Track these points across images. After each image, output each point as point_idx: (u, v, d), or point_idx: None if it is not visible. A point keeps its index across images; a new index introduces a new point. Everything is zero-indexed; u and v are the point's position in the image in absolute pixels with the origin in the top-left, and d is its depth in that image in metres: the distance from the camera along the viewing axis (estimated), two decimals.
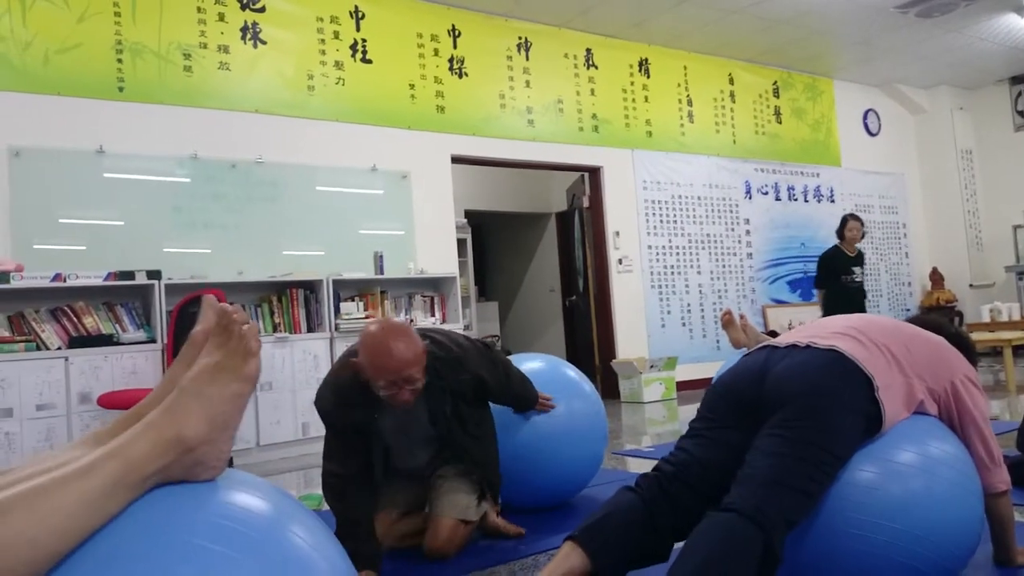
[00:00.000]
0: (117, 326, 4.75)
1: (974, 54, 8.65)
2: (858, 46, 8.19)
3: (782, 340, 2.03)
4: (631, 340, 7.34)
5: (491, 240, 10.41)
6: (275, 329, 5.25)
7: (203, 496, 0.95)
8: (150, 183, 5.09)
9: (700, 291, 7.85)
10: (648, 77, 7.70)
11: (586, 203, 7.62)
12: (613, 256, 7.34)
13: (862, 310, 6.46)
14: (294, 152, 5.64)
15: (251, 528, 0.93)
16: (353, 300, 5.53)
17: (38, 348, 4.45)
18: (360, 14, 6.04)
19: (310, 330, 5.34)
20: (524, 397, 2.86)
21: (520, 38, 6.90)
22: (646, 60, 7.69)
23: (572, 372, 3.20)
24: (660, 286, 7.58)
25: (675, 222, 7.75)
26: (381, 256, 5.73)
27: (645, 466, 3.96)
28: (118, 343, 4.63)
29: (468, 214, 8.34)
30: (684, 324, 7.71)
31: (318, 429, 5.17)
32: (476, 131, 6.56)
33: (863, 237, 6.86)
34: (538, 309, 9.61)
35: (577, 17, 6.96)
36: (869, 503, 1.72)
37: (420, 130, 6.25)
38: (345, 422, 2.43)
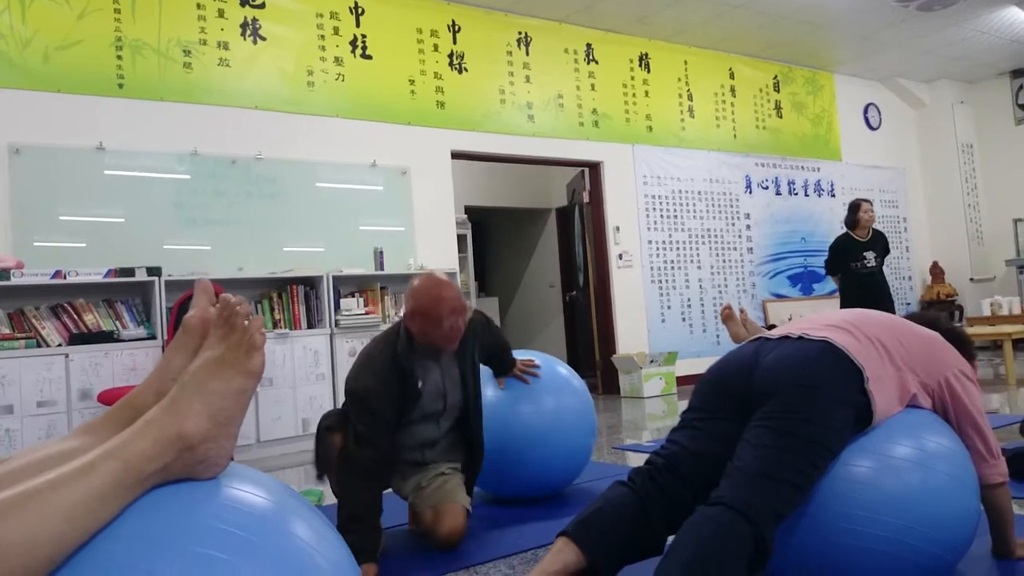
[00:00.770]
0: (117, 323, 4.76)
1: (975, 48, 8.63)
2: (859, 40, 8.18)
3: (774, 332, 2.03)
4: (631, 335, 7.34)
5: (491, 236, 10.41)
6: (275, 325, 5.25)
7: (201, 496, 0.93)
8: (150, 180, 5.09)
9: (700, 286, 7.85)
10: (648, 72, 7.69)
11: (586, 198, 7.61)
12: (613, 251, 7.34)
13: (879, 297, 6.18)
14: (294, 148, 5.63)
15: (250, 531, 0.91)
16: (353, 296, 5.53)
17: (38, 345, 4.45)
18: (360, 10, 6.03)
19: (310, 326, 5.35)
20: (508, 351, 3.07)
21: (520, 33, 6.89)
22: (646, 55, 7.68)
23: (563, 369, 3.27)
24: (660, 281, 7.58)
25: (675, 217, 7.75)
26: (381, 252, 5.73)
27: (645, 460, 3.97)
28: (118, 340, 4.64)
29: (468, 210, 8.34)
30: (684, 319, 7.71)
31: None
32: (476, 127, 6.55)
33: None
34: (538, 304, 9.61)
35: (577, 12, 6.95)
36: (864, 497, 1.72)
37: (420, 126, 6.24)
38: (389, 401, 2.47)
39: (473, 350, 2.74)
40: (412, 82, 6.24)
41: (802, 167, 8.80)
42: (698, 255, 7.87)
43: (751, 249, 8.27)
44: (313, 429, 5.14)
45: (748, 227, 8.27)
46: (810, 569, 1.77)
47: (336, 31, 5.91)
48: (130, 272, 4.71)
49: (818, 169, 8.94)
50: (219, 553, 0.87)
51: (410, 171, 6.14)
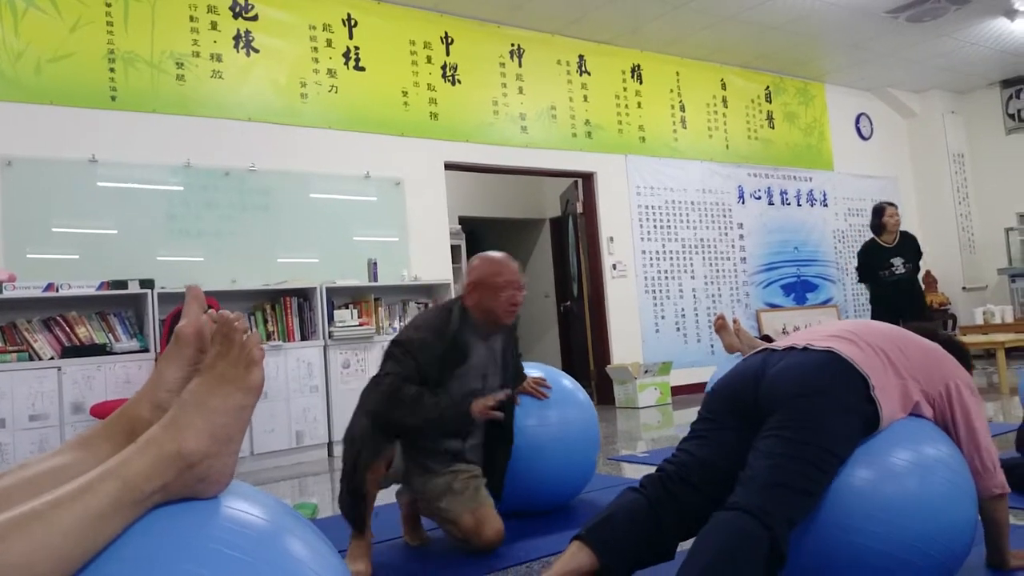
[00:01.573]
0: (110, 335, 4.74)
1: (965, 58, 8.69)
2: (849, 51, 8.23)
3: (780, 343, 2.06)
4: (626, 345, 7.34)
5: (485, 246, 10.37)
6: (269, 337, 5.24)
7: (200, 517, 0.92)
8: (143, 192, 5.09)
9: (694, 296, 7.87)
10: (641, 83, 7.72)
11: (580, 209, 7.63)
12: (607, 261, 7.35)
13: (909, 304, 5.97)
14: (287, 160, 5.64)
15: (249, 553, 0.90)
16: (347, 308, 5.53)
17: (31, 358, 4.43)
18: (353, 22, 6.04)
19: (304, 338, 5.34)
20: (521, 365, 3.07)
21: (513, 45, 6.91)
22: (638, 66, 7.72)
23: (567, 381, 3.27)
24: (654, 291, 7.59)
25: (669, 227, 7.77)
26: (375, 263, 5.73)
27: (640, 471, 3.96)
28: (111, 352, 4.62)
29: (462, 220, 8.35)
30: (678, 329, 7.72)
31: (312, 438, 5.17)
32: (469, 138, 6.56)
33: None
34: (532, 315, 9.61)
35: (570, 24, 6.98)
36: (863, 504, 1.74)
37: (413, 137, 6.25)
38: (431, 355, 2.52)
39: (516, 344, 2.85)
40: (405, 94, 6.25)
41: (794, 177, 8.84)
42: (692, 265, 7.88)
43: (744, 259, 8.29)
44: (307, 442, 5.14)
45: (741, 237, 8.30)
46: (809, 574, 1.78)
47: (329, 43, 5.93)
48: (123, 284, 4.70)
49: (810, 179, 8.97)
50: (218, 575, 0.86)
51: (403, 182, 6.15)
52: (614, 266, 7.35)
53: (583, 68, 7.34)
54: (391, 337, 5.50)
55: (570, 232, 8.16)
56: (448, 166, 6.46)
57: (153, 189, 5.12)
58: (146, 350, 4.72)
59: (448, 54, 6.51)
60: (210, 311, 1.14)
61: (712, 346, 7.71)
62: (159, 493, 0.90)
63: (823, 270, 8.92)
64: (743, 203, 8.34)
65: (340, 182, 5.85)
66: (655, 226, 7.67)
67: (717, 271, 8.06)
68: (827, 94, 9.28)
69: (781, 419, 1.80)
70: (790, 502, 1.69)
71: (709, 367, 7.09)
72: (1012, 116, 9.72)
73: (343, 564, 1.05)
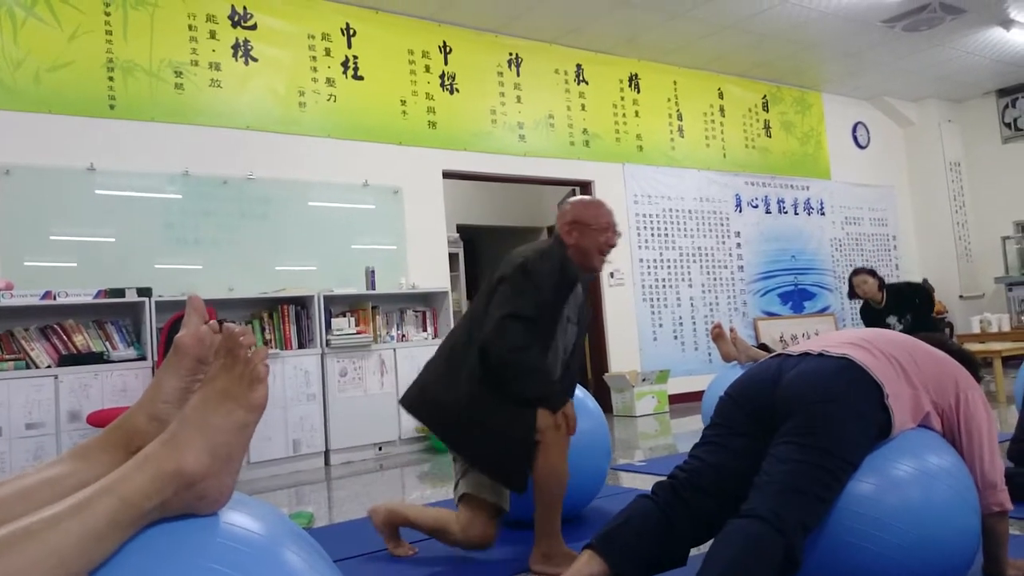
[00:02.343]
0: (107, 344, 4.74)
1: (961, 67, 8.73)
2: (846, 60, 8.26)
3: (795, 349, 2.08)
4: (623, 353, 7.34)
5: (483, 254, 10.41)
6: (266, 345, 5.23)
7: (197, 533, 0.91)
8: (141, 200, 5.09)
9: (692, 304, 7.87)
10: (638, 92, 7.75)
11: None
12: (605, 269, 7.34)
13: None
14: (286, 168, 5.64)
15: (245, 571, 0.89)
16: (344, 316, 5.53)
17: (27, 366, 4.43)
18: (351, 31, 6.06)
19: (301, 346, 5.33)
20: None
21: (511, 54, 6.94)
22: (636, 75, 7.74)
23: (577, 390, 3.23)
24: (652, 299, 7.60)
25: (666, 236, 7.78)
26: (373, 271, 5.73)
27: (638, 480, 3.96)
28: (108, 361, 4.61)
29: (460, 228, 8.35)
30: (676, 337, 7.72)
31: (309, 446, 5.17)
32: (467, 146, 6.58)
33: (882, 288, 5.99)
34: None
35: (567, 33, 7.01)
36: (867, 513, 1.75)
37: (412, 146, 6.26)
38: (552, 285, 2.53)
39: (587, 302, 2.80)
40: (404, 102, 6.26)
41: (791, 186, 8.86)
42: (689, 273, 7.89)
43: (742, 267, 8.30)
44: (304, 450, 5.13)
45: (738, 245, 8.31)
46: None
47: (328, 52, 5.94)
48: (120, 293, 4.70)
49: (807, 188, 8.99)
50: None
51: (402, 191, 6.16)
52: (611, 274, 7.36)
53: (581, 77, 7.36)
54: (387, 345, 5.52)
55: None
56: (446, 174, 6.47)
57: (151, 197, 5.13)
58: (143, 359, 4.71)
59: (446, 63, 6.53)
60: (212, 322, 1.12)
61: (710, 354, 7.71)
62: (157, 511, 0.89)
63: (820, 279, 8.93)
64: (740, 212, 8.36)
65: (338, 190, 5.86)
66: (653, 234, 7.68)
67: (714, 279, 8.07)
68: (824, 103, 9.31)
69: (796, 425, 1.81)
70: (805, 508, 1.71)
71: (707, 375, 7.09)
72: (1008, 125, 9.76)
73: (335, 572, 1.05)
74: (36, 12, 4.87)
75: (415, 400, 2.64)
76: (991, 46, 8.13)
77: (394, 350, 5.61)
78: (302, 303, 5.40)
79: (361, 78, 6.08)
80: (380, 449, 5.49)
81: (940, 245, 9.78)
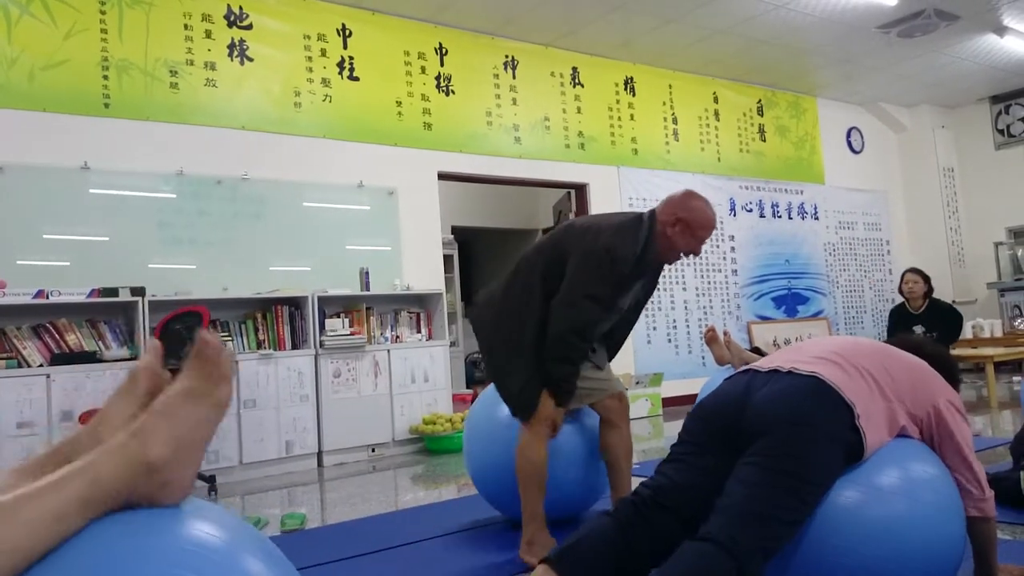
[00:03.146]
0: (100, 343, 4.73)
1: (955, 73, 8.76)
2: (841, 65, 8.29)
3: (764, 364, 2.03)
4: (617, 356, 7.32)
5: (478, 256, 10.42)
6: (259, 346, 5.23)
7: (156, 537, 0.93)
8: (135, 199, 5.08)
9: (686, 307, 7.88)
10: (633, 95, 7.76)
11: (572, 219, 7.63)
12: None
13: None
14: (280, 168, 5.64)
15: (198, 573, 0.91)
16: (338, 316, 5.52)
17: (19, 365, 4.41)
18: (347, 32, 6.06)
19: (295, 347, 5.32)
20: None
21: (507, 56, 6.94)
22: (631, 78, 7.75)
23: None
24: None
25: None
26: (367, 272, 5.73)
27: (632, 483, 3.96)
28: (101, 360, 4.60)
29: (455, 230, 8.35)
30: (670, 340, 7.73)
31: (302, 447, 5.16)
32: (463, 148, 6.58)
33: (927, 293, 6.07)
34: None
35: (563, 36, 7.01)
36: (851, 525, 1.73)
37: (407, 147, 6.26)
38: (629, 271, 2.66)
39: (659, 275, 2.96)
40: (399, 104, 6.26)
41: (785, 190, 8.88)
42: (683, 277, 7.91)
43: (735, 271, 8.32)
44: (297, 451, 5.12)
45: (732, 249, 8.33)
46: None
47: (324, 53, 5.94)
48: (113, 292, 4.69)
49: (801, 192, 9.02)
50: None
51: (397, 192, 6.16)
52: None
53: (576, 80, 7.37)
54: (381, 346, 5.51)
55: None
56: (441, 176, 6.47)
57: (145, 197, 5.12)
58: (136, 358, 4.69)
59: (442, 65, 6.53)
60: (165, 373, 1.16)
61: (703, 358, 7.72)
62: (123, 495, 0.94)
63: (814, 283, 8.95)
64: (735, 215, 8.37)
65: (333, 191, 5.85)
66: None
67: (708, 283, 8.08)
68: (818, 108, 9.34)
69: (763, 447, 1.77)
70: (764, 533, 1.67)
71: (700, 379, 7.08)
72: (1001, 131, 9.80)
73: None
74: (31, 10, 4.85)
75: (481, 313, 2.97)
76: (985, 53, 8.17)
77: (388, 351, 5.61)
78: (296, 303, 5.39)
79: (357, 79, 6.07)
80: (373, 450, 5.48)
81: (933, 250, 9.81)
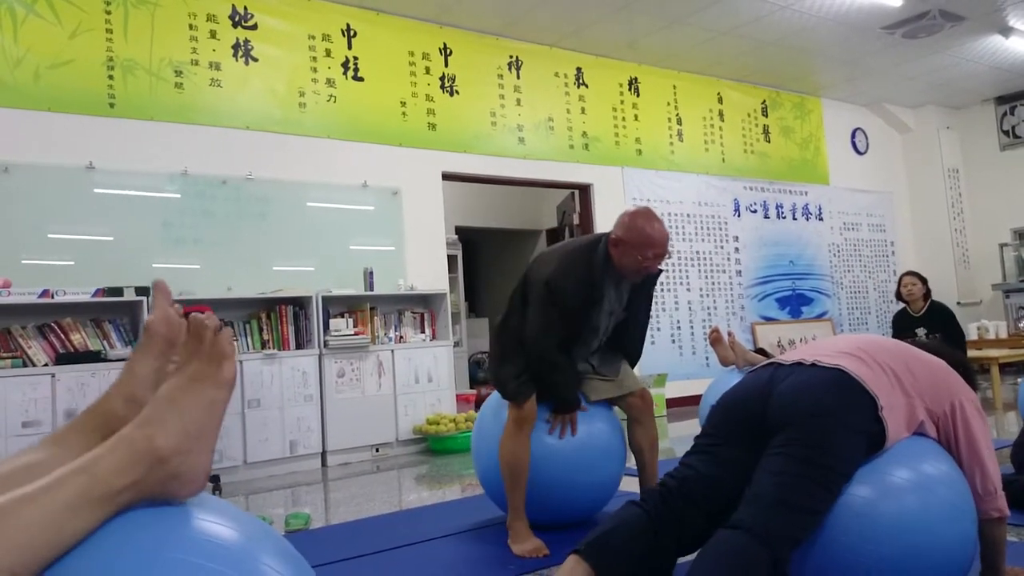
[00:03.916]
0: (105, 342, 4.73)
1: (960, 74, 8.75)
2: (846, 66, 8.28)
3: (787, 357, 2.06)
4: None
5: (481, 256, 10.42)
6: (264, 346, 5.23)
7: (168, 531, 0.90)
8: (140, 199, 5.09)
9: (690, 308, 7.88)
10: (638, 96, 7.75)
11: (576, 220, 7.64)
12: None
13: None
14: (285, 169, 5.64)
15: (215, 566, 0.88)
16: (342, 316, 5.52)
17: (24, 365, 4.42)
18: (352, 32, 6.06)
19: (299, 347, 5.33)
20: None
21: (511, 57, 6.94)
22: (636, 79, 7.75)
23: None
24: None
25: None
26: (371, 272, 5.73)
27: (634, 484, 3.95)
28: (105, 360, 4.61)
29: (458, 230, 8.36)
30: (674, 341, 7.73)
31: (306, 447, 5.16)
32: (467, 148, 6.58)
33: (926, 296, 6.08)
34: None
35: (567, 36, 7.01)
36: (862, 521, 1.74)
37: (411, 147, 6.26)
38: (579, 302, 2.80)
39: (655, 282, 3.06)
40: (403, 104, 6.26)
41: (790, 191, 8.87)
42: (687, 277, 7.90)
43: (740, 272, 8.31)
44: (301, 451, 5.13)
45: (737, 250, 8.32)
46: None
47: (328, 53, 5.94)
48: (118, 291, 4.69)
49: (806, 193, 9.01)
50: None
51: (401, 192, 6.16)
52: None
53: (581, 80, 7.37)
54: (385, 346, 5.51)
55: None
56: (445, 176, 6.47)
57: (150, 196, 5.12)
58: None
59: (447, 65, 6.53)
60: (176, 305, 1.15)
61: (707, 359, 7.71)
62: (131, 491, 0.88)
63: (818, 284, 8.94)
64: (739, 216, 8.36)
65: (337, 191, 5.86)
66: None
67: (712, 284, 8.08)
68: (823, 108, 9.33)
69: (788, 437, 1.80)
70: (794, 521, 1.70)
71: (704, 379, 7.09)
72: (1007, 132, 9.78)
73: (312, 574, 1.04)
74: (37, 10, 4.86)
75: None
76: (990, 53, 8.15)
77: (392, 351, 5.61)
78: (300, 303, 5.40)
79: (361, 79, 6.08)
80: (377, 450, 5.48)
81: (938, 252, 9.79)
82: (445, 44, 6.54)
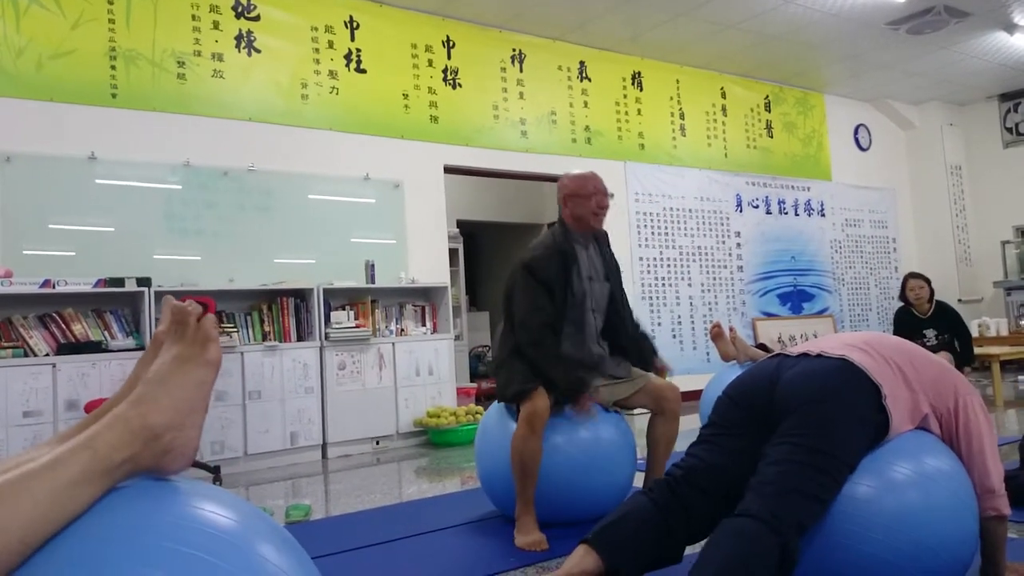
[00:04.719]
0: (106, 333, 4.73)
1: (964, 71, 8.72)
2: (849, 61, 8.26)
3: (793, 350, 2.08)
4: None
5: (483, 250, 10.42)
6: (265, 338, 5.23)
7: (159, 514, 0.92)
8: (142, 190, 5.08)
9: (691, 303, 7.87)
10: (641, 90, 7.74)
11: None
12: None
13: None
14: (287, 160, 5.63)
15: (213, 554, 0.90)
16: (344, 309, 5.52)
17: (25, 355, 4.42)
18: (355, 24, 6.05)
19: (300, 339, 5.33)
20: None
21: (514, 50, 6.92)
22: (639, 73, 7.73)
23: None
24: (651, 298, 7.59)
25: (666, 234, 7.78)
26: (372, 265, 5.72)
27: (637, 479, 3.96)
28: (107, 350, 4.61)
29: (460, 224, 8.35)
30: (675, 336, 7.73)
31: (307, 439, 5.17)
32: (469, 141, 6.57)
33: (931, 297, 5.99)
34: None
35: (571, 30, 7.00)
36: (865, 515, 1.76)
37: (413, 140, 6.25)
38: (554, 271, 2.94)
39: (607, 243, 3.24)
40: (406, 96, 6.25)
41: (792, 187, 8.86)
42: (689, 273, 7.89)
43: (741, 267, 8.30)
44: (302, 443, 5.13)
45: (738, 245, 8.31)
46: None
47: (331, 45, 5.93)
48: (120, 282, 4.69)
49: (808, 189, 8.99)
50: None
51: (403, 185, 6.15)
52: None
53: (584, 74, 7.35)
54: (386, 339, 5.52)
55: None
56: (447, 169, 6.47)
57: (152, 187, 5.12)
58: (142, 348, 4.70)
59: (449, 58, 6.52)
60: (166, 297, 1.19)
61: (708, 354, 7.71)
62: (128, 464, 0.94)
63: (820, 280, 8.93)
64: (741, 212, 8.35)
65: (339, 183, 5.85)
66: (653, 233, 7.68)
67: (714, 279, 8.07)
68: (826, 104, 9.31)
69: (793, 425, 1.82)
70: (801, 507, 1.71)
71: (705, 375, 7.06)
72: (1010, 129, 9.76)
73: (311, 564, 1.05)
74: None
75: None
76: (994, 50, 8.13)
77: (393, 344, 5.61)
78: (301, 296, 5.40)
79: (364, 71, 6.07)
80: (378, 443, 5.49)
81: (940, 248, 9.78)
82: (448, 37, 6.52)
